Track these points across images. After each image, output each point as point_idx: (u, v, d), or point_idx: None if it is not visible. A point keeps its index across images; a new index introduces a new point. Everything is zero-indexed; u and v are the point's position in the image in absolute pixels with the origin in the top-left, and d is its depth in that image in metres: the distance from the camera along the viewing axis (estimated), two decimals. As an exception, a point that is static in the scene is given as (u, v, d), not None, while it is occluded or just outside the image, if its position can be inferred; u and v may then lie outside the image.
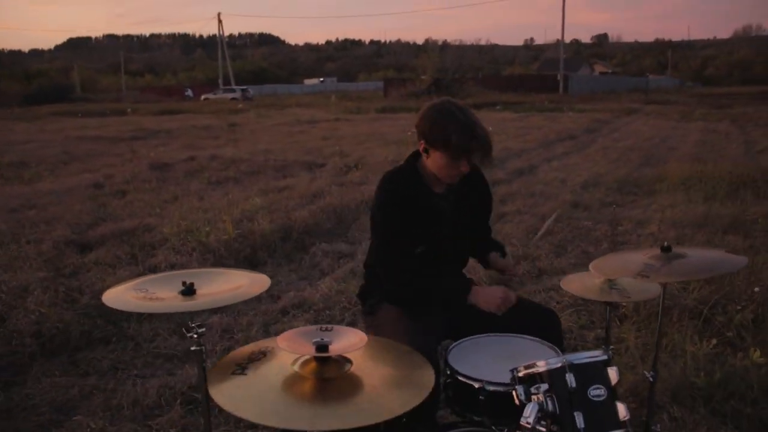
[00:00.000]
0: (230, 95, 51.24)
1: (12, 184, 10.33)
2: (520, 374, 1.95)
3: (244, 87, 56.46)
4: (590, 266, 2.31)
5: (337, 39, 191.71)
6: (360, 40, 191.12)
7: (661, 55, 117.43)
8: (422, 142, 2.52)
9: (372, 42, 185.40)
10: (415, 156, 2.64)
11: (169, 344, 4.14)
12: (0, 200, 8.60)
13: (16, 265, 5.22)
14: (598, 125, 20.87)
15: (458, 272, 2.77)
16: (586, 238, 6.60)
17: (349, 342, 1.79)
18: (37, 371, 3.75)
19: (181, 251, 5.68)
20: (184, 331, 2.16)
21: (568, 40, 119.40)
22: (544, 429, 1.80)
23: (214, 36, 71.23)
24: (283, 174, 10.56)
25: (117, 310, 4.30)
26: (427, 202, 2.58)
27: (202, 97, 53.93)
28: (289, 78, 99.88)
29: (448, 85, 42.99)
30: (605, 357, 1.94)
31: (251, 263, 5.73)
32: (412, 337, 2.34)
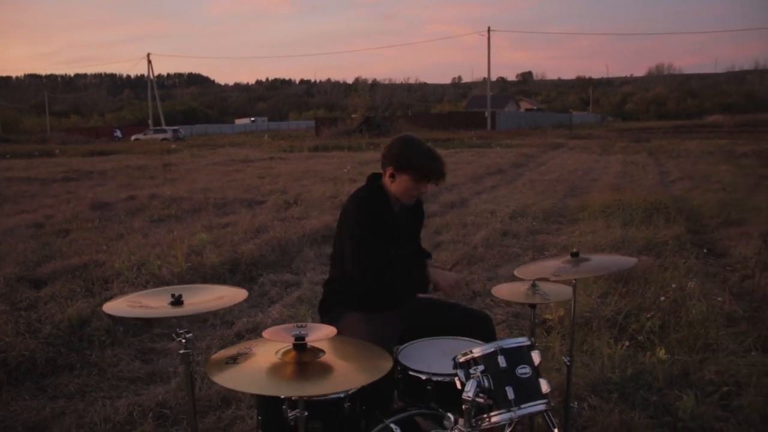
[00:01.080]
0: (161, 135, 50.86)
1: (-54, 226, 10.21)
2: (461, 360, 2.37)
3: (175, 127, 56.14)
4: (515, 271, 2.77)
5: (267, 78, 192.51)
6: (290, 80, 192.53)
7: (582, 91, 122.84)
8: (390, 168, 3.03)
9: (302, 81, 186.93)
10: (374, 181, 3.10)
11: (132, 368, 4.39)
12: (-62, 242, 8.55)
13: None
14: (525, 159, 21.89)
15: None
16: (516, 262, 7.14)
17: (322, 333, 2.18)
18: (6, 397, 3.94)
19: (136, 283, 5.90)
20: (174, 336, 2.50)
21: (494, 78, 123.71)
22: (482, 400, 2.22)
23: (143, 76, 70.79)
24: (224, 211, 10.81)
25: (79, 338, 4.56)
26: (391, 216, 3.08)
27: (133, 137, 53.32)
28: (220, 118, 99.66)
29: (379, 123, 43.97)
30: (529, 342, 2.39)
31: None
32: (373, 340, 2.75)
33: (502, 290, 3.11)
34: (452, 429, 2.32)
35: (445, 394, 2.57)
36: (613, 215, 9.36)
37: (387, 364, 2.19)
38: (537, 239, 8.41)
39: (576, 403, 3.00)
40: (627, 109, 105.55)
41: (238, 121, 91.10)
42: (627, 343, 4.33)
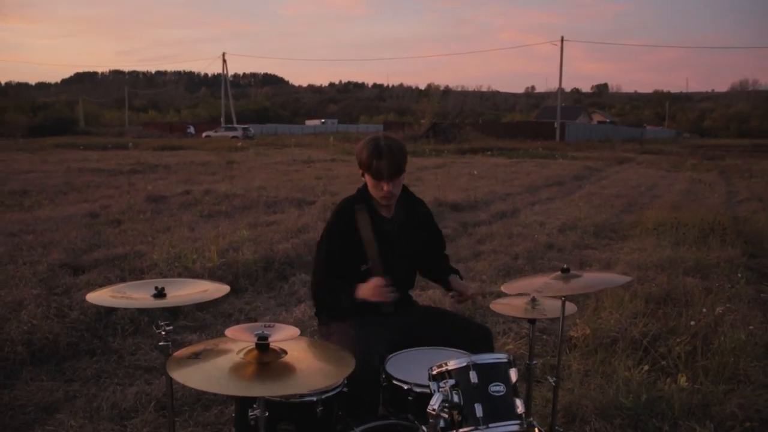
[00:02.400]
0: (231, 133, 51.97)
1: (12, 211, 10.71)
2: (434, 372, 2.30)
3: (246, 126, 57.33)
4: (502, 287, 2.68)
5: (340, 81, 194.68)
6: (363, 83, 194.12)
7: (659, 106, 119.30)
8: (360, 170, 2.96)
9: (375, 85, 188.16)
10: (365, 185, 3.05)
11: (150, 358, 4.47)
12: (0, 225, 8.97)
13: (12, 283, 5.57)
14: (588, 172, 21.38)
15: (402, 287, 3.10)
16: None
17: (286, 334, 2.16)
18: (26, 376, 4.08)
19: (167, 275, 6.02)
20: (154, 328, 2.53)
21: (568, 89, 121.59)
22: (447, 416, 2.14)
23: (219, 75, 72.32)
24: (273, 210, 10.95)
25: (104, 326, 4.68)
26: (376, 226, 2.97)
27: (204, 134, 54.74)
28: (292, 118, 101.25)
29: (446, 129, 43.78)
30: (506, 360, 2.29)
31: (232, 289, 6.06)
32: (357, 346, 2.71)
33: (501, 304, 3.03)
34: (421, 443, 2.26)
35: (425, 405, 2.49)
36: (666, 233, 9.01)
37: (348, 368, 2.15)
38: (582, 254, 8.18)
39: (562, 427, 2.86)
40: (705, 125, 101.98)
41: (309, 122, 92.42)
42: (647, 368, 4.13)
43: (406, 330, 3.01)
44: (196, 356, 2.15)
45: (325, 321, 3.09)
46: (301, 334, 2.29)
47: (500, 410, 2.20)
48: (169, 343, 2.50)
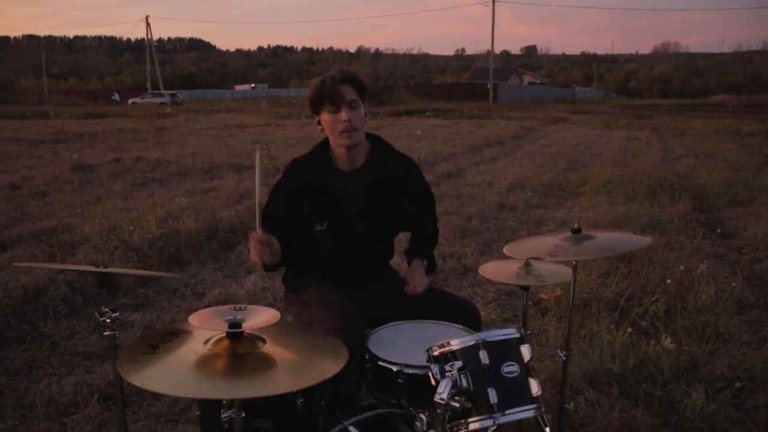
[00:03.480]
0: (159, 99, 50.12)
1: None
2: (435, 353, 1.97)
3: (174, 92, 55.33)
4: (504, 249, 2.37)
5: (269, 45, 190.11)
6: (292, 47, 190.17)
7: (587, 67, 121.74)
8: (315, 118, 2.64)
9: (304, 49, 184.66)
10: (324, 143, 2.68)
11: (88, 342, 4.01)
12: None
13: None
14: (525, 132, 21.40)
15: (369, 252, 2.74)
16: (511, 237, 6.75)
17: (263, 319, 1.78)
18: (-60, 372, 3.57)
19: (103, 250, 5.52)
20: (97, 315, 2.11)
21: (498, 51, 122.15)
22: (457, 404, 1.83)
23: (143, 40, 69.41)
24: (210, 176, 10.40)
25: (33, 308, 4.17)
26: (326, 181, 2.62)
27: (130, 101, 52.57)
28: (220, 84, 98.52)
29: (380, 92, 43.27)
30: (518, 335, 1.98)
31: (175, 261, 5.64)
32: (338, 323, 2.37)
33: (491, 269, 2.73)
34: (423, 435, 1.95)
35: (419, 389, 2.14)
36: (616, 190, 8.95)
37: (341, 360, 1.78)
38: (535, 213, 8.01)
39: (572, 404, 2.60)
40: (631, 86, 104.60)
41: (238, 87, 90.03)
42: (629, 330, 3.94)
43: (383, 305, 2.65)
44: (152, 349, 1.74)
45: (293, 288, 2.73)
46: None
47: (515, 394, 1.89)
48: (116, 332, 2.08)
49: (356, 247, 2.66)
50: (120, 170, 10.98)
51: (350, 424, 2.07)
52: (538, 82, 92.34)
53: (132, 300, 4.81)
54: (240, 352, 1.72)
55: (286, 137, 18.06)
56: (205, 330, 1.78)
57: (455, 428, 1.87)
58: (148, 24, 62.40)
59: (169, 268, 5.50)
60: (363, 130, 2.63)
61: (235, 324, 1.73)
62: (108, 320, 2.09)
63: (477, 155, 14.22)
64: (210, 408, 2.03)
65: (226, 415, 1.84)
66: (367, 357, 2.32)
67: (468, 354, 1.91)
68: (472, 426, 1.86)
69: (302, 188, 2.61)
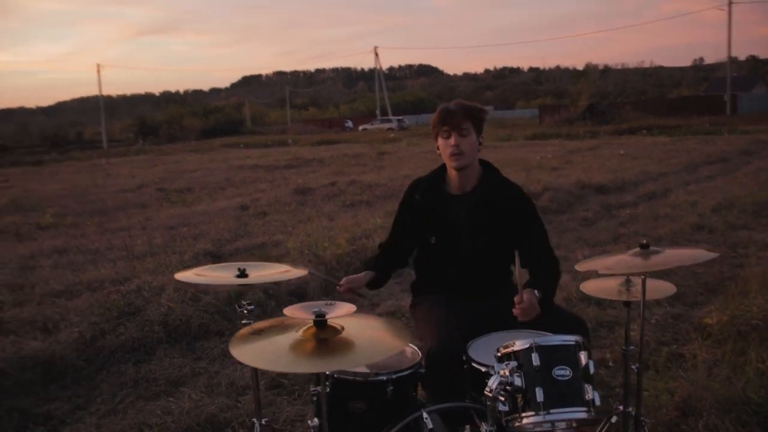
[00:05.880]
0: (387, 125, 53.11)
1: (176, 206, 11.70)
2: (499, 354, 2.23)
3: (400, 117, 58.27)
4: (576, 266, 2.53)
5: (495, 67, 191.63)
6: (518, 68, 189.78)
7: None
8: (435, 141, 3.00)
9: (531, 69, 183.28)
10: (442, 167, 3.03)
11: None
12: (163, 219, 9.86)
13: (159, 270, 6.09)
14: (759, 147, 19.49)
15: (476, 267, 2.98)
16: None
17: (341, 311, 2.20)
18: (161, 353, 4.47)
19: (298, 262, 6.30)
20: (236, 307, 2.67)
21: (742, 57, 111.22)
22: (503, 398, 2.07)
23: (374, 69, 73.97)
24: (414, 197, 11.05)
25: (233, 309, 4.96)
26: (441, 201, 2.97)
27: (360, 127, 56.35)
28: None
29: (603, 110, 41.81)
30: (573, 342, 2.16)
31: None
32: (440, 326, 2.70)
33: (592, 286, 2.86)
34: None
35: (503, 389, 2.42)
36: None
37: (403, 342, 2.15)
38: (736, 235, 7.49)
39: (648, 421, 2.66)
40: None
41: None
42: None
43: (494, 314, 2.92)
44: (257, 335, 2.23)
45: (417, 293, 3.12)
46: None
47: (564, 395, 2.08)
48: (251, 321, 2.62)
49: (463, 263, 2.97)
50: (334, 193, 12.09)
51: (428, 412, 2.37)
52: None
53: (315, 308, 5.48)
54: (324, 336, 2.15)
55: (497, 159, 18.19)
56: (301, 321, 2.24)
57: (511, 421, 2.12)
58: (376, 54, 66.69)
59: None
60: (472, 156, 2.94)
61: (320, 314, 2.17)
62: (245, 311, 2.66)
63: (691, 174, 13.39)
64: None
65: (314, 389, 2.28)
66: (464, 358, 2.62)
67: (523, 355, 2.15)
68: (524, 420, 2.09)
69: (416, 205, 3.02)
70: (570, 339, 2.18)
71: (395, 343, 2.17)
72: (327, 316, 2.17)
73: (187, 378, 4.11)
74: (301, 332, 2.20)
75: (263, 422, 2.67)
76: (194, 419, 3.45)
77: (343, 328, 2.19)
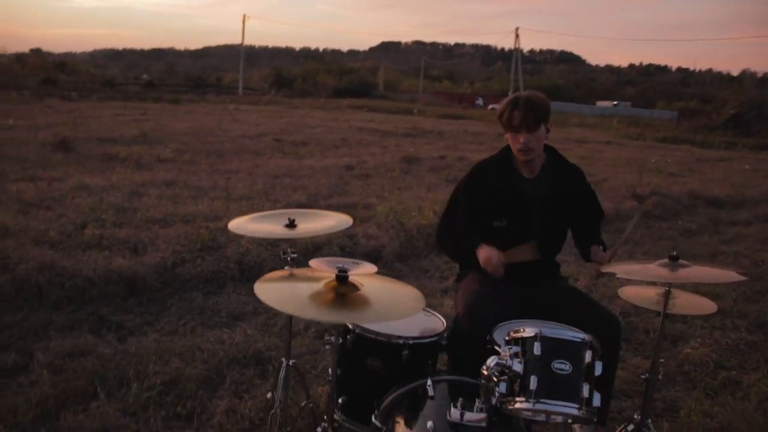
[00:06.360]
0: (515, 107, 52.02)
1: (287, 157, 12.18)
2: (507, 337, 2.28)
3: (531, 101, 56.91)
4: (597, 265, 2.52)
5: (640, 63, 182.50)
6: (666, 66, 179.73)
7: None
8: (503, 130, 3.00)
9: (679, 69, 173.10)
10: (508, 148, 3.07)
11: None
12: (271, 168, 10.31)
13: (249, 213, 6.44)
14: None
15: (540, 250, 3.03)
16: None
17: (363, 270, 2.33)
18: (230, 288, 4.80)
19: (382, 227, 6.46)
20: (281, 254, 2.85)
21: None
22: (496, 379, 2.13)
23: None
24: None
25: (307, 257, 5.21)
26: (510, 184, 2.97)
27: (489, 107, 55.62)
28: (584, 98, 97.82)
29: (750, 121, 38.94)
30: (581, 340, 2.17)
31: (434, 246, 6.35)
32: (470, 305, 2.78)
33: (631, 291, 2.82)
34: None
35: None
36: None
37: (418, 306, 2.26)
38: None
39: (651, 420, 2.61)
40: None
41: (600, 104, 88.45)
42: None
43: (531, 299, 2.94)
44: (284, 279, 2.39)
45: (459, 274, 3.18)
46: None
47: (559, 389, 2.11)
48: (293, 267, 2.78)
49: (527, 243, 2.99)
50: (440, 166, 12.16)
51: (433, 380, 2.45)
52: None
53: (388, 272, 5.63)
54: (343, 291, 2.28)
55: (617, 158, 17.69)
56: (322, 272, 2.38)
57: (505, 404, 2.17)
58: (517, 35, 65.37)
59: (429, 252, 6.23)
60: (540, 148, 2.97)
61: (343, 270, 2.30)
62: (289, 258, 2.83)
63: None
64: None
65: (328, 338, 2.43)
66: (488, 339, 2.68)
67: (528, 343, 2.19)
68: (516, 405, 2.14)
69: (488, 188, 3.01)
70: (578, 336, 2.20)
71: (409, 308, 2.28)
72: (349, 273, 2.30)
73: (248, 315, 4.40)
74: (323, 284, 2.34)
75: (290, 363, 2.84)
76: (242, 351, 3.71)
77: (362, 286, 2.32)
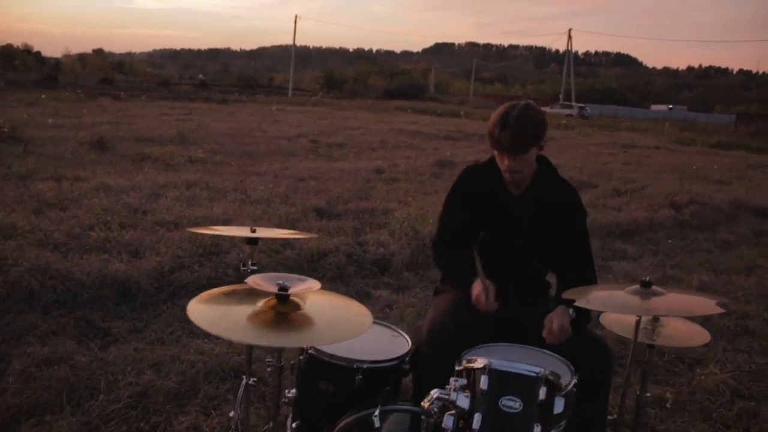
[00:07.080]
0: (566, 111, 51.02)
1: (320, 160, 12.10)
2: (459, 367, 2.09)
3: (583, 104, 55.84)
4: (563, 293, 2.31)
5: (699, 65, 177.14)
6: (726, 69, 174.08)
7: None
8: None
9: (741, 72, 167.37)
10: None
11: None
12: (299, 170, 10.23)
13: (265, 218, 6.37)
14: None
15: (518, 271, 2.80)
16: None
17: (304, 287, 2.16)
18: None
19: (395, 234, 6.28)
20: (241, 266, 2.71)
21: None
22: (434, 416, 1.94)
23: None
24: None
25: (315, 268, 5.07)
26: (494, 198, 2.74)
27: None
28: (639, 102, 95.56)
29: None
30: (534, 374, 1.95)
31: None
32: (436, 321, 2.63)
33: (612, 318, 2.58)
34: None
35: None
36: None
37: (363, 328, 2.08)
38: None
39: None
40: None
41: (654, 107, 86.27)
42: None
43: (514, 322, 2.69)
44: (216, 302, 2.23)
45: (443, 281, 3.00)
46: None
47: (504, 429, 1.91)
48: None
49: (505, 263, 2.76)
50: (473, 171, 11.87)
51: (380, 410, 2.26)
52: None
53: (395, 281, 5.46)
54: (282, 311, 2.11)
55: (663, 164, 17.04)
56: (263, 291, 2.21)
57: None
58: (569, 36, 64.09)
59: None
60: (529, 170, 2.70)
61: (283, 288, 2.13)
62: (248, 270, 2.69)
63: None
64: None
65: (270, 361, 2.27)
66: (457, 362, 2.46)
67: (476, 375, 1.99)
68: (453, 444, 1.94)
69: (471, 196, 2.80)
70: (533, 370, 1.98)
71: (354, 328, 2.10)
72: (290, 291, 2.13)
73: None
74: (262, 303, 2.18)
75: (251, 381, 2.69)
76: (221, 364, 3.59)
77: (304, 305, 2.15)
